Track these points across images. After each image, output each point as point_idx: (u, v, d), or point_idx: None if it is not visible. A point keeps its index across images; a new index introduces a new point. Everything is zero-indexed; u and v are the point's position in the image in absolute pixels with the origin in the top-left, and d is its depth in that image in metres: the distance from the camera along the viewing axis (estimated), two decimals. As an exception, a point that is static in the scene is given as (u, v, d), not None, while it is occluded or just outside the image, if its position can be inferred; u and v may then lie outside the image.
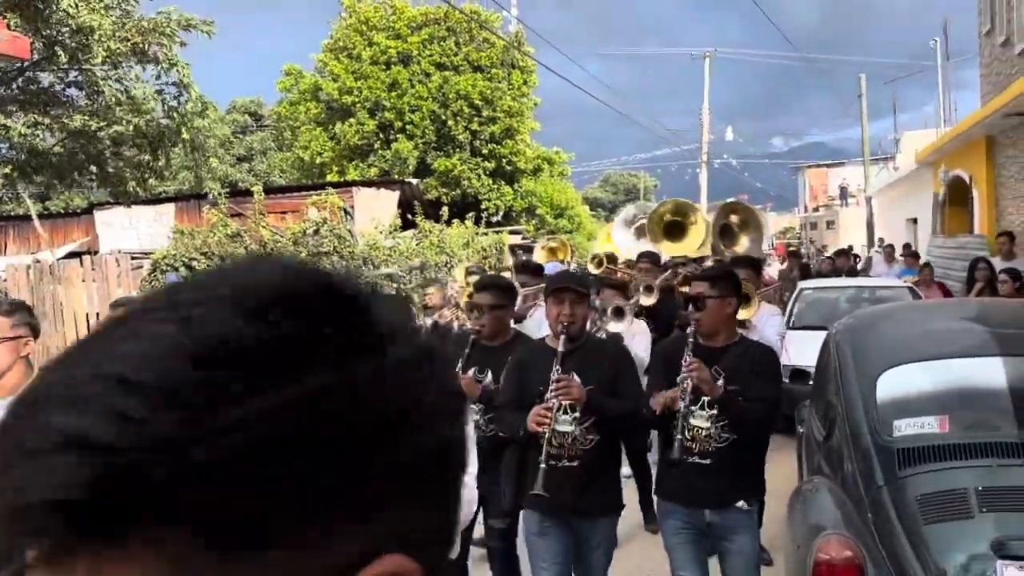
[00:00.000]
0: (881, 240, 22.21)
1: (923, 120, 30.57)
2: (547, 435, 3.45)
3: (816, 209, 50.00)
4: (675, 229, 8.83)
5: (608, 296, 5.72)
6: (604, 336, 5.46)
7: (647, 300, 6.75)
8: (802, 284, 11.34)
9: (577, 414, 3.55)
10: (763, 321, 5.49)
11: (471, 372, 4.01)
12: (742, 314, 4.86)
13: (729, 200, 8.83)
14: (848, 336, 4.53)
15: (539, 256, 9.19)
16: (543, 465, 3.44)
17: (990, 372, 3.85)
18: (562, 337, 3.57)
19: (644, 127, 37.00)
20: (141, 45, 9.97)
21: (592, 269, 8.08)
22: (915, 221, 21.20)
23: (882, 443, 3.63)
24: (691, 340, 3.62)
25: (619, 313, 5.52)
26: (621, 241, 9.26)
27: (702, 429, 3.56)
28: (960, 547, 3.20)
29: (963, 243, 13.85)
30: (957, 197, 15.49)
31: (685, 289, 6.84)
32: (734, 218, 8.62)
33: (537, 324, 5.75)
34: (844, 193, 45.73)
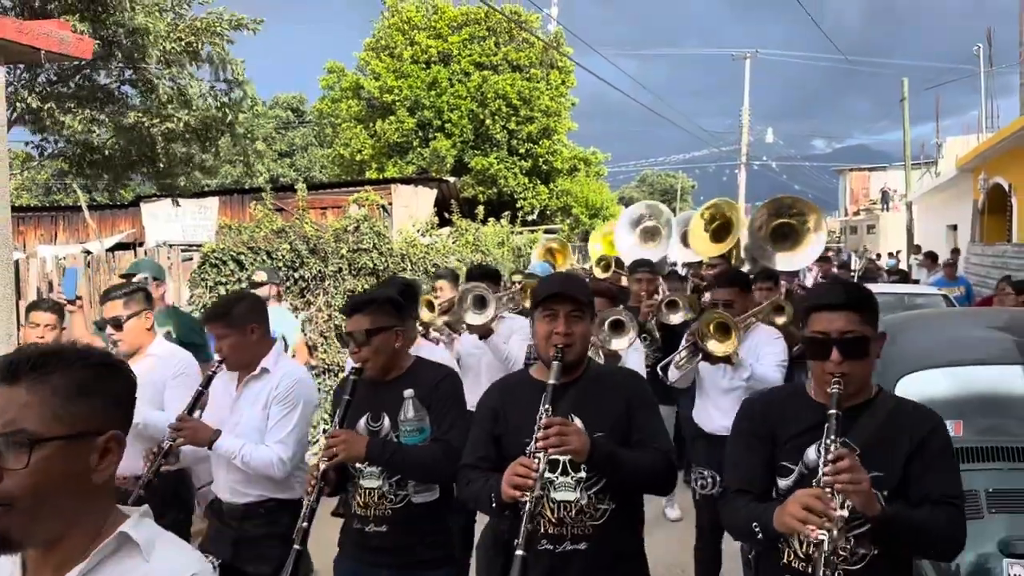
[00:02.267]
0: (918, 247, 21.90)
1: (966, 125, 30.10)
2: (530, 505, 2.32)
3: (857, 213, 49.44)
4: (720, 230, 7.78)
5: (598, 306, 4.77)
6: (600, 357, 4.44)
7: (675, 318, 5.82)
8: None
9: (582, 474, 2.55)
10: (757, 350, 4.47)
11: (361, 421, 3.03)
12: (719, 348, 4.23)
13: (780, 196, 7.55)
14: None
15: (536, 257, 8.34)
16: (520, 552, 2.28)
17: (1007, 379, 3.98)
18: (555, 365, 2.54)
19: (678, 127, 36.89)
20: (194, 44, 10.34)
21: (599, 274, 7.30)
22: (955, 228, 21.01)
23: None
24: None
25: (618, 327, 4.44)
26: (625, 245, 8.11)
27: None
28: (969, 546, 3.31)
29: (1001, 251, 13.75)
30: (996, 205, 15.37)
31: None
32: (790, 217, 7.16)
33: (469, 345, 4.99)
34: (885, 197, 45.14)
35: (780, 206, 6.88)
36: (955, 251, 14.95)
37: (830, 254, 30.91)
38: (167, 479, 3.51)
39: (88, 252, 10.94)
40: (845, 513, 2.05)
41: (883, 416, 2.34)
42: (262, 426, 3.37)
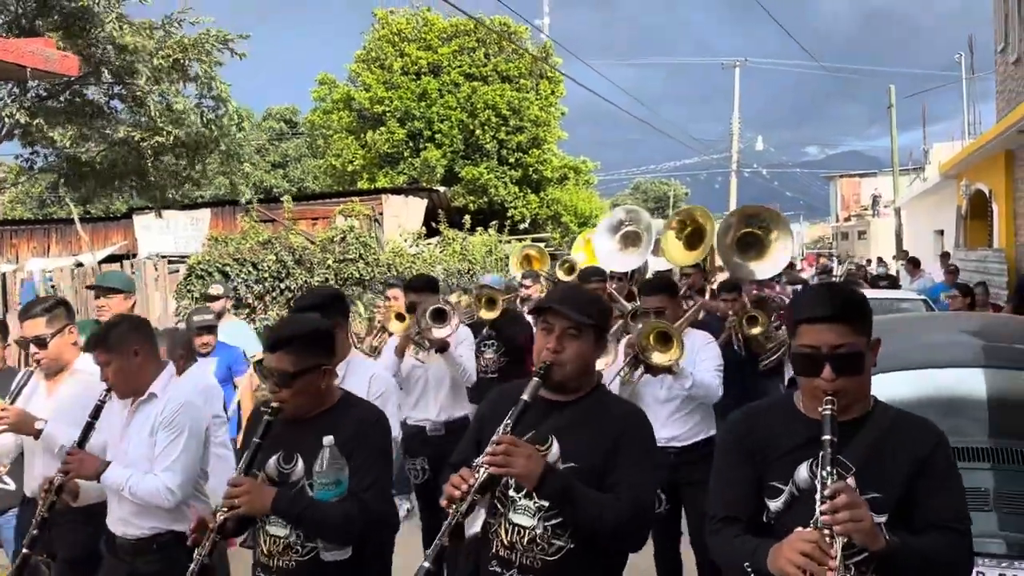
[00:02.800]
0: (905, 252, 22.06)
1: (951, 132, 30.40)
2: (452, 519, 2.22)
3: (848, 219, 49.72)
4: (693, 237, 7.69)
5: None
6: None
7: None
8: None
9: (544, 502, 2.32)
10: (694, 356, 4.28)
11: (272, 461, 2.71)
12: (663, 359, 4.09)
13: (745, 205, 7.55)
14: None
15: (514, 266, 8.09)
16: (426, 564, 2.18)
17: (963, 382, 4.10)
18: (532, 381, 2.39)
19: (668, 136, 37.09)
20: (182, 61, 10.48)
21: (563, 277, 7.19)
22: (942, 233, 21.20)
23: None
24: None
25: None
26: (604, 250, 7.85)
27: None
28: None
29: (982, 256, 13.92)
30: (978, 210, 15.56)
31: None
32: (754, 226, 7.08)
33: (389, 363, 4.80)
34: (876, 203, 45.44)
35: (746, 216, 6.90)
36: (945, 255, 15.08)
37: (823, 260, 31.15)
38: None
39: (80, 264, 11.05)
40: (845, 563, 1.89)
41: (881, 431, 2.15)
42: (151, 454, 3.18)
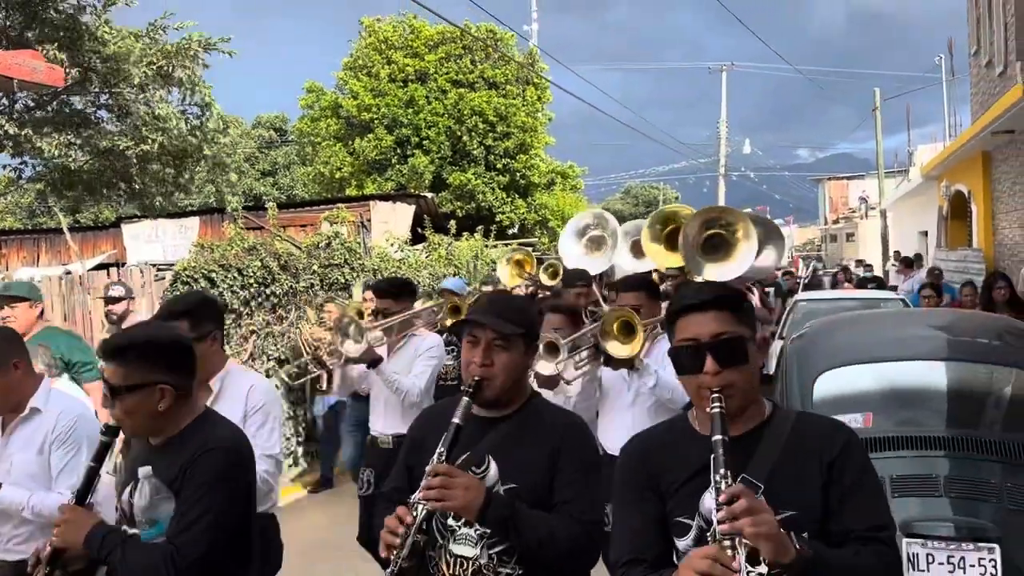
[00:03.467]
0: (897, 253, 22.23)
1: (938, 134, 30.74)
2: (394, 567, 2.07)
3: (836, 221, 50.08)
4: (674, 238, 7.99)
5: (554, 324, 4.27)
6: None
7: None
8: (797, 296, 11.70)
9: (485, 529, 2.17)
10: (664, 360, 3.93)
11: (126, 491, 2.46)
12: (621, 350, 3.85)
13: (708, 207, 7.68)
14: (797, 342, 4.97)
15: (502, 272, 7.97)
16: None
17: (915, 374, 4.27)
18: (463, 401, 2.22)
19: (656, 141, 37.36)
20: (166, 68, 10.62)
21: (546, 280, 7.15)
22: (925, 234, 21.45)
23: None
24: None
25: (552, 350, 3.98)
26: (571, 254, 7.64)
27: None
28: (874, 528, 3.61)
29: (962, 256, 14.14)
30: (959, 211, 15.78)
31: None
32: (720, 228, 6.72)
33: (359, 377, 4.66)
34: (864, 205, 45.83)
35: (709, 217, 6.96)
36: (918, 256, 15.36)
37: (800, 261, 31.33)
38: None
39: (69, 272, 11.14)
40: (763, 570, 1.67)
41: (784, 439, 1.92)
42: (39, 472, 2.99)
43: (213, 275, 8.46)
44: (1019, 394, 4.26)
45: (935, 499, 3.63)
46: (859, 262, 23.22)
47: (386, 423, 4.70)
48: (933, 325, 4.98)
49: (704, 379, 1.89)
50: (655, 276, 8.61)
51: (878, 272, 21.36)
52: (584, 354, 4.05)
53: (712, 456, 1.75)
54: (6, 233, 19.54)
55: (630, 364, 3.87)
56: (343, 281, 9.65)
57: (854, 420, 4.06)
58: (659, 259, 7.99)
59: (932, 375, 4.33)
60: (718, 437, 1.78)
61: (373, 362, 4.47)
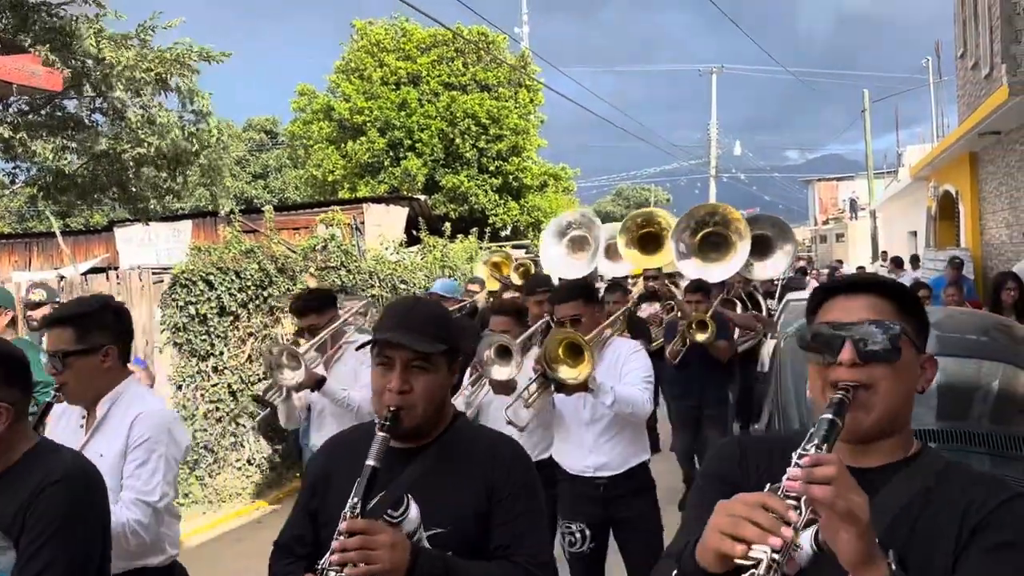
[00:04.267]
0: (885, 254, 22.37)
1: (921, 135, 31.04)
2: None
3: (826, 223, 50.35)
4: (649, 241, 7.63)
5: (500, 327, 4.17)
6: (487, 388, 3.96)
7: (700, 336, 6.10)
8: (789, 295, 11.79)
9: None
10: (618, 367, 3.78)
11: None
12: (571, 374, 3.47)
13: (700, 205, 7.59)
14: (791, 338, 5.07)
15: (480, 273, 7.76)
16: None
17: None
18: (378, 437, 1.83)
19: (647, 142, 37.51)
20: (163, 75, 10.66)
21: (517, 280, 6.98)
22: (915, 234, 21.63)
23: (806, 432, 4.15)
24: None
25: (504, 354, 3.77)
26: (552, 255, 7.53)
27: None
28: (866, 519, 3.71)
29: (950, 256, 14.29)
30: (947, 211, 15.95)
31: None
32: (714, 226, 6.80)
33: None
34: (854, 206, 46.09)
35: (703, 215, 6.95)
36: (914, 258, 15.45)
37: (802, 263, 31.49)
38: None
39: (62, 277, 11.15)
40: (807, 537, 1.21)
41: (925, 485, 1.45)
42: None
43: (211, 277, 8.50)
44: (1006, 388, 4.38)
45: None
46: (838, 262, 23.40)
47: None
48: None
49: (837, 372, 1.45)
50: (639, 281, 8.59)
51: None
52: (533, 387, 3.68)
53: (810, 431, 1.33)
54: (-2, 237, 19.53)
55: (584, 387, 3.50)
56: (340, 284, 9.72)
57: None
58: (638, 262, 7.91)
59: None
60: (827, 416, 1.35)
61: (317, 384, 4.11)
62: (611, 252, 7.42)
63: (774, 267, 7.93)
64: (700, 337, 6.19)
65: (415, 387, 1.93)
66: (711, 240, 6.67)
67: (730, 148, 46.08)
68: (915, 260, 14.85)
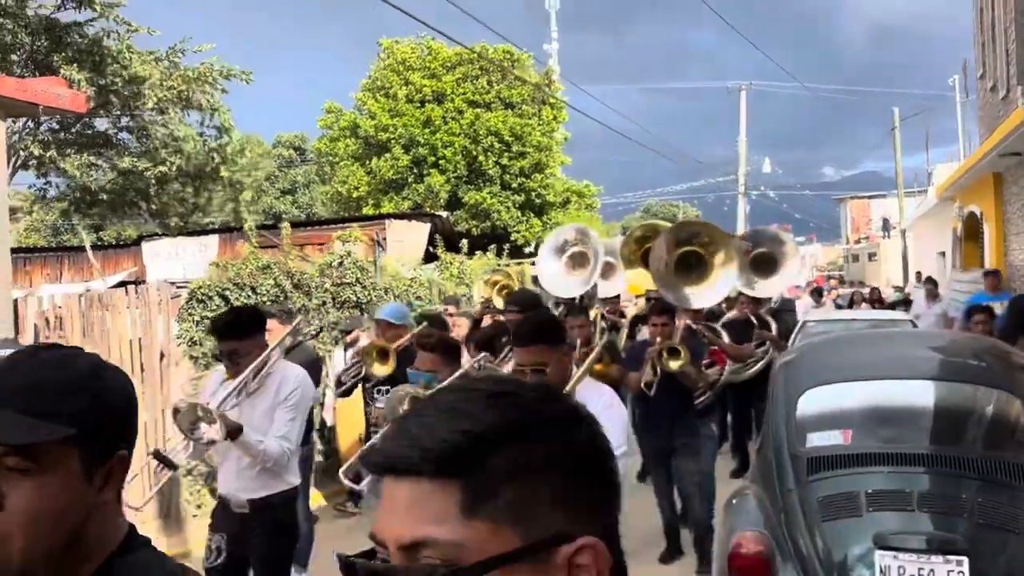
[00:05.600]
0: (919, 275, 21.08)
1: (949, 154, 30.65)
2: None
3: (858, 241, 49.86)
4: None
5: (425, 365, 3.78)
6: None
7: (673, 363, 5.48)
8: (806, 317, 11.73)
9: None
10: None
11: None
12: None
13: (685, 220, 7.36)
14: (786, 360, 5.09)
15: (484, 293, 7.50)
16: None
17: (892, 393, 4.38)
18: None
19: (671, 160, 37.48)
20: (186, 92, 10.96)
21: (499, 303, 6.62)
22: (944, 254, 21.36)
23: (796, 452, 4.16)
24: None
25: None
26: (549, 272, 7.12)
27: None
28: (849, 541, 3.71)
29: (975, 277, 14.10)
30: (972, 232, 15.76)
31: None
32: (695, 245, 6.27)
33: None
34: (886, 225, 45.56)
35: (685, 232, 6.38)
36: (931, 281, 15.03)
37: (833, 282, 31.07)
38: None
39: (89, 290, 11.44)
40: None
41: None
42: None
43: (227, 293, 8.68)
44: (1000, 414, 4.36)
45: (908, 513, 3.73)
46: (860, 283, 22.98)
47: (240, 484, 3.87)
48: (920, 346, 5.09)
49: None
50: (642, 300, 8.21)
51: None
52: None
53: None
54: (31, 251, 20.01)
55: None
56: (355, 300, 9.86)
57: (834, 436, 4.19)
58: (637, 280, 7.59)
59: (916, 394, 4.44)
60: None
61: (231, 434, 3.63)
62: (604, 269, 7.18)
63: (778, 286, 7.79)
64: (674, 365, 5.55)
65: (7, 505, 1.14)
66: (689, 261, 6.18)
67: (759, 165, 45.84)
68: (932, 283, 13.60)
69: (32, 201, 16.89)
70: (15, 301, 7.11)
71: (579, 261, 7.09)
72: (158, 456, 3.86)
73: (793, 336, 11.07)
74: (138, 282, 14.55)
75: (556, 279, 7.12)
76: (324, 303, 9.57)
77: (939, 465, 3.98)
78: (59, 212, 16.42)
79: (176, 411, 3.64)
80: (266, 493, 3.87)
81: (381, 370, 4.89)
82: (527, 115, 23.00)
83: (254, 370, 3.76)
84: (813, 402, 4.39)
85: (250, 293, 8.87)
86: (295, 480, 4.02)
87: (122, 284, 14.79)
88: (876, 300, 14.79)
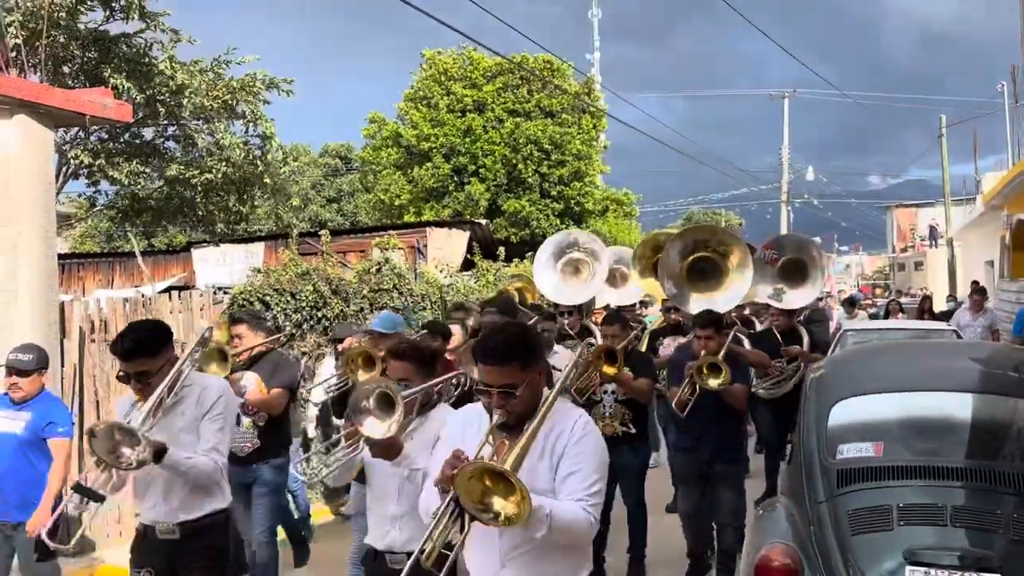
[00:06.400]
0: (976, 283, 19.82)
1: (999, 161, 29.86)
2: None
3: (904, 250, 48.89)
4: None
5: (397, 374, 3.40)
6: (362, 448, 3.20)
7: (713, 381, 5.14)
8: (846, 325, 11.54)
9: None
10: (550, 448, 2.64)
11: None
12: (506, 506, 2.33)
13: (696, 225, 6.84)
14: (817, 372, 5.02)
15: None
16: None
17: (925, 405, 4.30)
18: None
19: (713, 168, 37.15)
20: (231, 102, 11.21)
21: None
22: (992, 263, 20.87)
23: (827, 465, 4.11)
24: None
25: (385, 404, 2.98)
26: (547, 281, 6.89)
27: None
28: (879, 556, 3.65)
29: (1023, 287, 13.76)
30: (1021, 241, 15.37)
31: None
32: (708, 250, 5.95)
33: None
34: (934, 233, 44.58)
35: (698, 237, 5.96)
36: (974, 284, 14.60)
37: (879, 291, 30.34)
38: None
39: (141, 294, 11.75)
40: None
41: None
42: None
43: (267, 298, 8.86)
44: (1040, 428, 4.25)
45: (941, 528, 3.65)
46: (898, 292, 22.32)
47: (168, 509, 3.55)
48: (957, 357, 4.99)
49: None
50: (657, 310, 7.77)
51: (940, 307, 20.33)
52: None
53: None
54: (84, 256, 20.59)
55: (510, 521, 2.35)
56: (392, 306, 9.98)
57: (865, 449, 4.12)
58: (653, 289, 6.86)
59: (950, 407, 4.35)
60: None
61: (158, 455, 3.31)
62: (614, 277, 6.86)
63: (810, 295, 7.44)
64: (713, 383, 5.28)
65: None
66: (700, 267, 5.91)
67: (803, 173, 45.22)
68: (980, 292, 12.95)
69: (86, 208, 17.37)
70: (62, 304, 7.33)
71: (576, 269, 6.86)
72: (80, 489, 3.32)
73: (832, 347, 10.92)
74: (187, 288, 14.88)
75: (556, 288, 6.84)
76: (362, 309, 9.70)
77: (974, 479, 3.89)
78: (109, 219, 16.87)
79: (92, 435, 3.19)
80: (198, 515, 3.56)
81: (366, 378, 4.54)
82: (567, 124, 23.05)
83: (167, 386, 3.46)
84: (845, 413, 4.33)
85: (290, 299, 9.04)
86: (226, 500, 3.70)
87: (171, 289, 15.14)
88: (927, 310, 14.08)
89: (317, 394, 5.65)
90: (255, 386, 5.24)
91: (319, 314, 9.28)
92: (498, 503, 2.36)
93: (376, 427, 2.90)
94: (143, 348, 3.44)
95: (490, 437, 2.59)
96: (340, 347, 7.40)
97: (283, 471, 5.43)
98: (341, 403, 5.07)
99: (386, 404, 2.95)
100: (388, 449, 3.05)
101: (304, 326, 9.11)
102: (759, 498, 7.46)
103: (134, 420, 3.34)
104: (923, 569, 3.56)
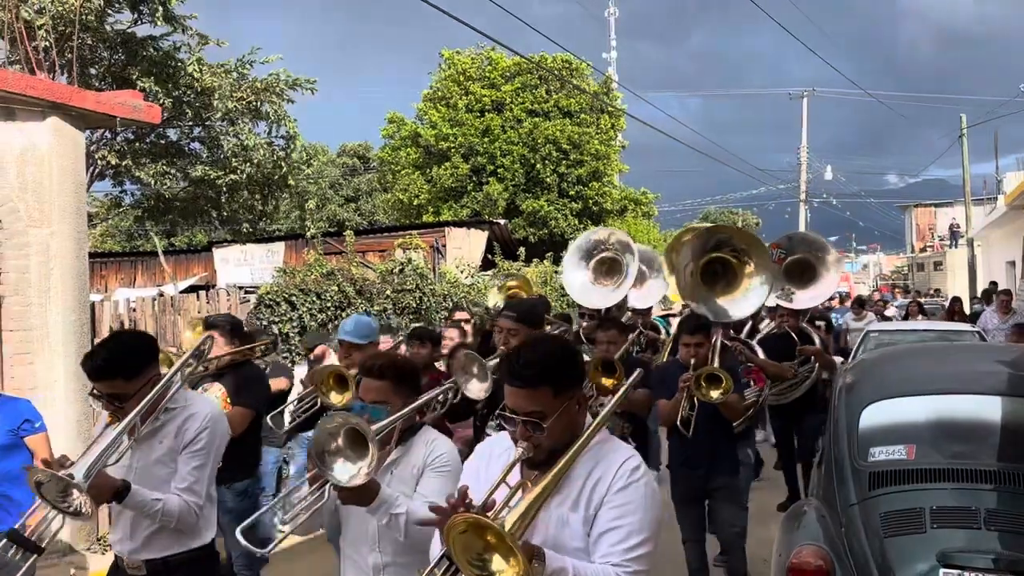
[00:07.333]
0: (995, 284, 19.58)
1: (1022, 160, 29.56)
2: None
3: (923, 250, 48.53)
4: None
5: (371, 395, 2.85)
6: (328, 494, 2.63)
7: (713, 392, 4.68)
8: (871, 326, 11.50)
9: None
10: (587, 495, 2.19)
11: None
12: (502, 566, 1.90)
13: (713, 225, 6.45)
14: (848, 374, 5.03)
15: (494, 301, 6.99)
16: None
17: (957, 408, 4.29)
18: None
19: (731, 167, 37.02)
20: (255, 103, 11.31)
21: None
22: (1013, 264, 20.72)
23: (858, 467, 4.11)
24: None
25: (357, 443, 2.49)
26: (576, 281, 6.40)
27: None
28: (912, 558, 3.65)
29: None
30: (1045, 241, 15.22)
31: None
32: (724, 252, 5.53)
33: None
34: (955, 233, 44.21)
35: (714, 238, 5.53)
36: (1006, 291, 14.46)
37: (898, 291, 30.19)
38: None
39: (161, 294, 11.88)
40: None
41: None
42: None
43: (293, 299, 8.94)
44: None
45: (974, 531, 3.66)
46: (917, 292, 21.97)
47: (133, 546, 3.12)
48: (986, 360, 4.98)
49: None
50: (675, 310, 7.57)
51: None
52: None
53: None
54: (106, 255, 20.82)
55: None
56: (415, 306, 10.04)
57: (898, 451, 4.13)
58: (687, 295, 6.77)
59: (983, 409, 4.34)
60: None
61: (117, 494, 2.88)
62: (638, 278, 6.59)
63: (819, 294, 7.25)
64: (715, 394, 4.82)
65: None
66: (716, 269, 5.65)
67: (821, 172, 44.97)
68: (1006, 294, 12.85)
69: (107, 208, 17.56)
70: (92, 305, 7.44)
71: (608, 269, 6.37)
72: (15, 538, 2.80)
73: (855, 348, 10.88)
74: (208, 287, 15.02)
75: (585, 290, 6.36)
76: (385, 309, 9.77)
77: (1008, 483, 3.89)
78: (133, 218, 17.06)
79: (39, 484, 2.70)
80: (165, 554, 3.09)
81: (338, 400, 4.04)
82: (585, 123, 23.07)
83: (143, 410, 2.95)
84: (876, 416, 4.33)
85: (315, 299, 9.12)
86: (207, 536, 3.20)
87: (193, 288, 15.29)
88: (957, 311, 13.71)
89: (278, 421, 4.85)
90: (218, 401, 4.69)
91: (344, 314, 9.35)
92: (497, 564, 1.90)
93: (345, 472, 2.40)
94: (117, 367, 2.94)
95: (508, 476, 2.12)
96: (312, 355, 6.87)
97: (247, 496, 4.86)
98: (308, 427, 4.50)
99: (357, 444, 2.43)
100: (361, 494, 2.50)
101: (329, 326, 9.19)
102: (782, 503, 7.45)
103: (91, 452, 2.81)
104: (957, 572, 3.57)
